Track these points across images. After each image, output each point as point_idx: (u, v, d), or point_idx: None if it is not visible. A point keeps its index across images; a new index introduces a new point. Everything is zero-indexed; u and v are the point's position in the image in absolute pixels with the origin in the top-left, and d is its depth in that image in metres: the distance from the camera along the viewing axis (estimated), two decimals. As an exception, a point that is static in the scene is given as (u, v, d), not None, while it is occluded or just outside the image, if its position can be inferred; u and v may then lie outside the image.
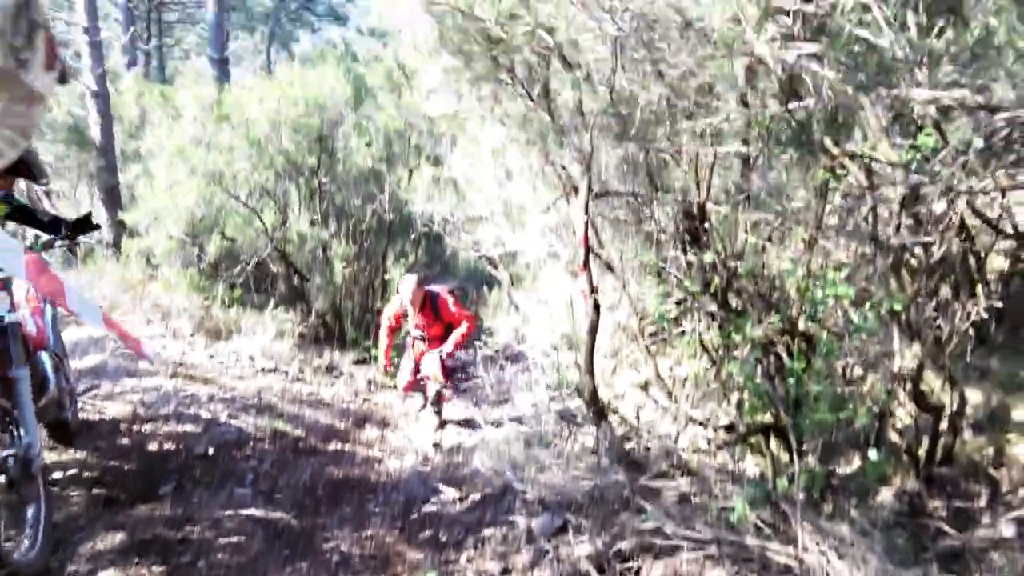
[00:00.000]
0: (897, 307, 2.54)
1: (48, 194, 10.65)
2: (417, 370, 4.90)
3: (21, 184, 10.03)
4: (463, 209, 5.91)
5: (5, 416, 2.45)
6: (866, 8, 2.04)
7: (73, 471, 3.17)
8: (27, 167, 3.05)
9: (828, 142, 2.39)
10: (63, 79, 0.69)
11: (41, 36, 0.62)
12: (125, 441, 3.60)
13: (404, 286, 4.78)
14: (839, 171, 2.68)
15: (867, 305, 2.60)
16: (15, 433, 2.46)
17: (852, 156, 2.49)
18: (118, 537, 2.67)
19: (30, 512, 2.53)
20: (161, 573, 2.51)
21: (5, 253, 2.44)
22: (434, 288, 4.94)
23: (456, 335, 4.79)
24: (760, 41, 2.24)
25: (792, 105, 2.44)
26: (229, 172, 6.29)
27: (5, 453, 2.39)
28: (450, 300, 4.86)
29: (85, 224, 3.23)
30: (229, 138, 6.39)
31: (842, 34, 2.08)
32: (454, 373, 5.07)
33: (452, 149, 6.58)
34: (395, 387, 5.15)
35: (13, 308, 2.54)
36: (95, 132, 9.42)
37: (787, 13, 2.33)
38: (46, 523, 2.54)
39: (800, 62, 2.23)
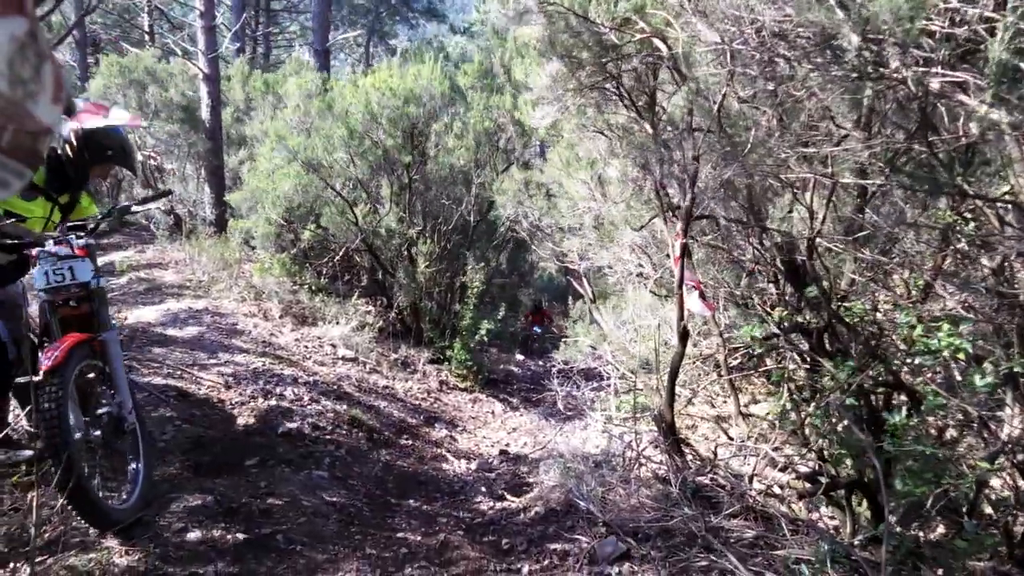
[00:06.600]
0: (1017, 369, 2.37)
1: (159, 170, 11.42)
2: None
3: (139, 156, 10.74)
4: (552, 217, 5.87)
5: (100, 375, 2.61)
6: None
7: (171, 435, 3.38)
8: (122, 157, 3.12)
9: (960, 181, 2.21)
10: (68, 111, 0.71)
11: (48, 68, 0.62)
12: (217, 412, 3.81)
13: None
14: (967, 214, 2.51)
15: (985, 364, 2.43)
16: (109, 392, 2.63)
17: (986, 199, 2.32)
18: (207, 501, 2.82)
19: (131, 467, 2.73)
20: (243, 540, 2.63)
21: None
22: None
23: None
24: (902, 64, 2.08)
25: (929, 138, 2.25)
26: (327, 162, 6.52)
27: (101, 411, 2.57)
28: None
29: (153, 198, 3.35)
30: (329, 127, 6.60)
31: (993, 62, 1.89)
32: None
33: (545, 154, 6.53)
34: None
35: (99, 274, 2.62)
36: (204, 114, 9.85)
37: (932, 35, 2.15)
38: (144, 479, 2.72)
39: (945, 91, 2.06)
